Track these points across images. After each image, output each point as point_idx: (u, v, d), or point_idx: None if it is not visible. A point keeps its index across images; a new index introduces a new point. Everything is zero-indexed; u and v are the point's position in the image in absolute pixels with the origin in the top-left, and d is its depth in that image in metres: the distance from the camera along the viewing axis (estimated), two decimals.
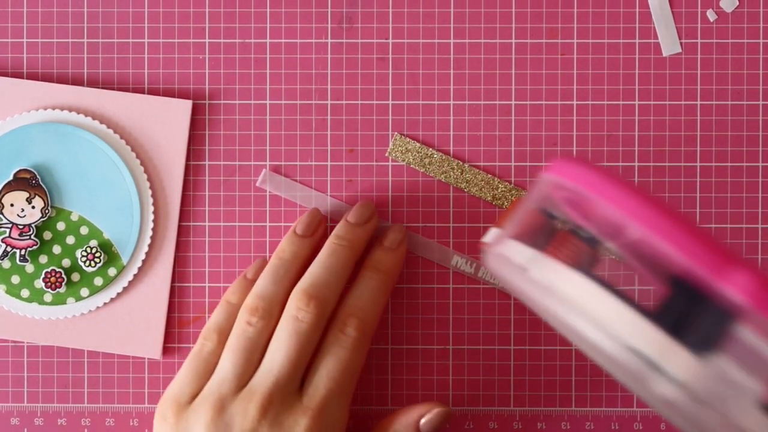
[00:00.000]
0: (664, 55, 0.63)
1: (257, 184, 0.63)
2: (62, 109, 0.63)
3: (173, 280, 0.63)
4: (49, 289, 0.62)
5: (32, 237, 0.62)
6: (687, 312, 0.40)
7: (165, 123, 0.63)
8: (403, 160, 0.63)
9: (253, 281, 0.61)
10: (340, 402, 0.59)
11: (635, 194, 0.42)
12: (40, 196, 0.62)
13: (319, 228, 0.62)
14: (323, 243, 0.61)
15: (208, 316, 0.63)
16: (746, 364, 0.39)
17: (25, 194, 0.62)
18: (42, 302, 0.63)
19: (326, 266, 0.60)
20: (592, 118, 0.63)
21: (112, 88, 0.63)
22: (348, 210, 0.62)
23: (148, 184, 0.63)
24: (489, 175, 0.63)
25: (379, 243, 0.62)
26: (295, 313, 0.58)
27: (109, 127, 0.63)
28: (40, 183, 0.62)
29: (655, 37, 0.63)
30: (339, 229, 0.61)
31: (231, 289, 0.62)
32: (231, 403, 0.58)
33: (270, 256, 0.63)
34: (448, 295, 0.64)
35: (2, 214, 0.62)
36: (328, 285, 0.59)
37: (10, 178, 0.62)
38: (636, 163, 0.63)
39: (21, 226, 0.62)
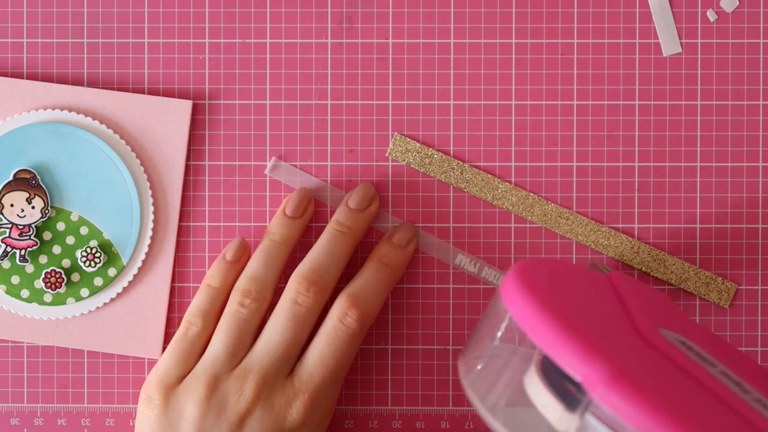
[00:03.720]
0: (665, 55, 0.63)
1: (265, 172, 0.63)
2: (62, 109, 0.63)
3: (173, 280, 0.63)
4: (49, 290, 0.62)
5: (32, 237, 0.62)
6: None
7: (165, 123, 0.63)
8: (403, 160, 0.63)
9: (232, 262, 0.61)
10: (332, 390, 0.59)
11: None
12: (40, 197, 0.62)
13: (308, 208, 0.62)
14: (309, 223, 0.62)
15: None
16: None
17: (25, 194, 0.62)
18: (42, 302, 0.63)
19: (326, 252, 0.60)
20: (592, 118, 0.63)
21: (112, 88, 0.63)
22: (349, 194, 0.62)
23: (148, 184, 0.63)
24: (489, 175, 0.63)
25: (387, 237, 0.62)
26: (295, 296, 0.59)
27: (109, 127, 0.63)
28: (40, 183, 0.62)
29: (655, 37, 0.63)
30: (339, 214, 0.61)
31: (211, 272, 0.62)
32: (225, 381, 0.58)
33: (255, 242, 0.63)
34: (448, 295, 0.64)
35: (2, 214, 0.62)
36: (329, 271, 0.59)
37: (10, 178, 0.62)
38: (636, 163, 0.63)
39: (21, 227, 0.62)
